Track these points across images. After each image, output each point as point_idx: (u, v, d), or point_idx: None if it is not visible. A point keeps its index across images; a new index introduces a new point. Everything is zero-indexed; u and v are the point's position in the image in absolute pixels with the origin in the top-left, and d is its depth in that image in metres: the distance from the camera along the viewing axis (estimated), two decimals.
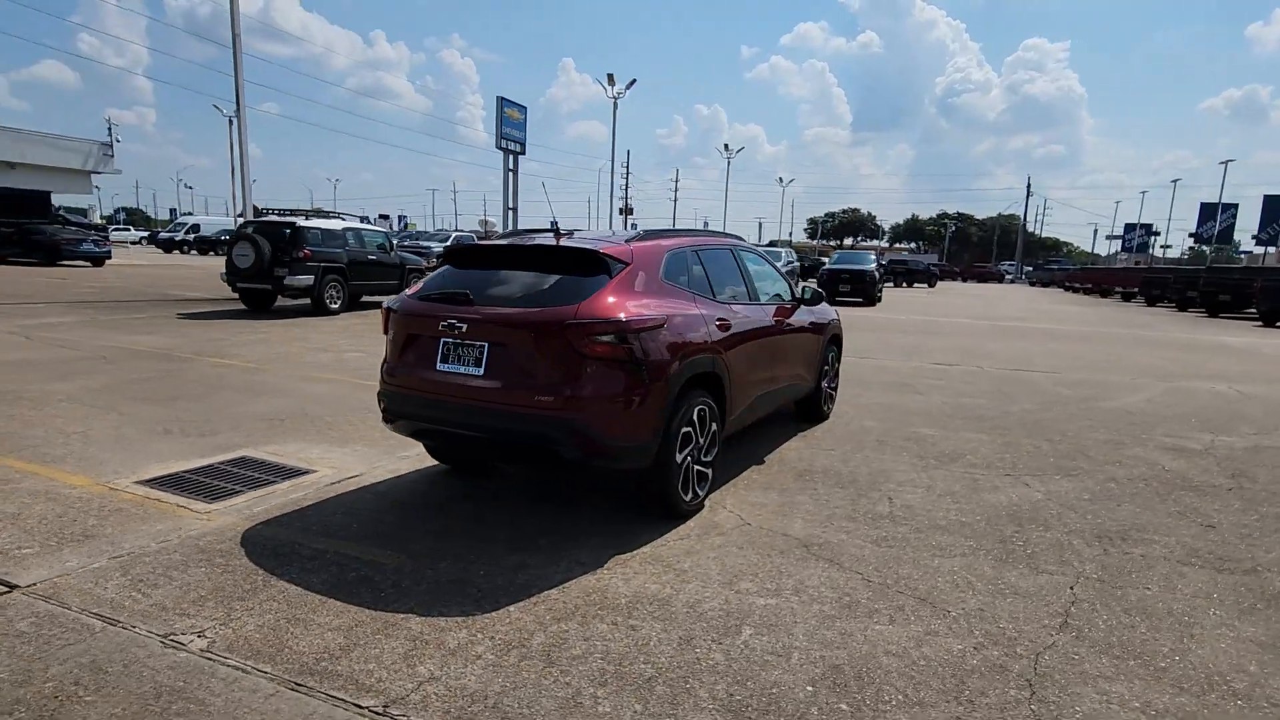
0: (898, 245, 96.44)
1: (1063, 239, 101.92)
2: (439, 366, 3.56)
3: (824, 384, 6.16)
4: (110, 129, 47.62)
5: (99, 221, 58.70)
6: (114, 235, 54.66)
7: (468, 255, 4.00)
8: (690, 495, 3.85)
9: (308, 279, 12.69)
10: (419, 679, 2.33)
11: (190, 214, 62.20)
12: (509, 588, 3.01)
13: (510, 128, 26.99)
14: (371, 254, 14.39)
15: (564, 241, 3.79)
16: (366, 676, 2.34)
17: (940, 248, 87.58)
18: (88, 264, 24.84)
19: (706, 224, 62.81)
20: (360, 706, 2.19)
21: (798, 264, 26.19)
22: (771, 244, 43.42)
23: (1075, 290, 39.94)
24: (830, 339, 6.22)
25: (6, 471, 4.18)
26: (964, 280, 59.76)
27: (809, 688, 2.37)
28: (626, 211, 59.47)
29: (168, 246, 42.37)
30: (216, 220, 44.84)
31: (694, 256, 4.31)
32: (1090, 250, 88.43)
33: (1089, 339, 14.40)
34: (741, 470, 4.73)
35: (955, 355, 10.89)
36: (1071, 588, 3.17)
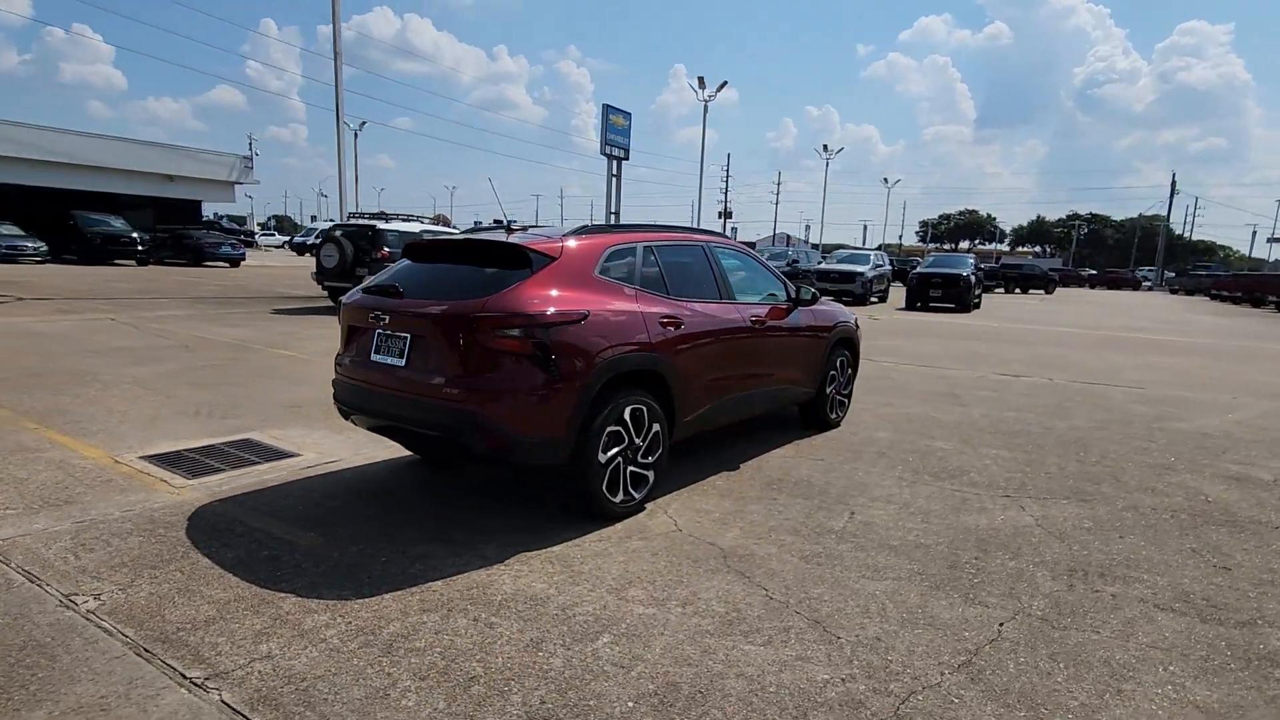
0: (1021, 249, 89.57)
1: (1219, 242, 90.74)
2: (372, 357, 3.68)
3: (830, 389, 5.83)
4: (251, 144, 52.92)
5: (254, 228, 65.49)
6: (261, 240, 60.78)
7: (422, 250, 4.10)
8: (622, 497, 3.75)
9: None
10: (254, 656, 2.41)
11: (319, 219, 67.84)
12: (399, 576, 3.05)
13: (615, 134, 27.52)
14: None
15: (497, 237, 3.81)
16: (210, 649, 2.45)
17: (1068, 251, 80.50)
18: (226, 265, 27.78)
19: (808, 227, 61.11)
20: (185, 677, 2.29)
21: (888, 267, 24.96)
22: (863, 248, 41.61)
23: (1222, 299, 35.40)
24: (837, 342, 5.88)
25: (41, 442, 4.73)
26: (1092, 287, 54.65)
27: (630, 703, 2.24)
28: (725, 215, 58.96)
29: (300, 250, 46.42)
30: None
31: (647, 253, 4.19)
32: (1249, 255, 78.29)
33: (1203, 352, 12.73)
34: (709, 475, 4.56)
35: (1028, 366, 9.96)
36: (1001, 624, 2.81)
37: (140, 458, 4.51)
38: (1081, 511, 4.13)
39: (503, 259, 3.64)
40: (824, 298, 6.46)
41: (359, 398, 3.78)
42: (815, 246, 46.79)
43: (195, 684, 2.25)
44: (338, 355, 4.05)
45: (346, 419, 4.04)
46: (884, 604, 2.94)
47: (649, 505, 3.98)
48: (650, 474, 3.93)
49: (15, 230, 25.01)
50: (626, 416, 3.71)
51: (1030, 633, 2.75)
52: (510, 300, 3.36)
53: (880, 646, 2.61)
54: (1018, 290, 35.97)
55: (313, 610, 2.73)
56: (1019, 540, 3.67)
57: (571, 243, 3.78)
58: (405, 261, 4.14)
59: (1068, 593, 3.10)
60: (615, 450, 3.67)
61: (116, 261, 24.90)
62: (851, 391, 6.31)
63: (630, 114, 26.92)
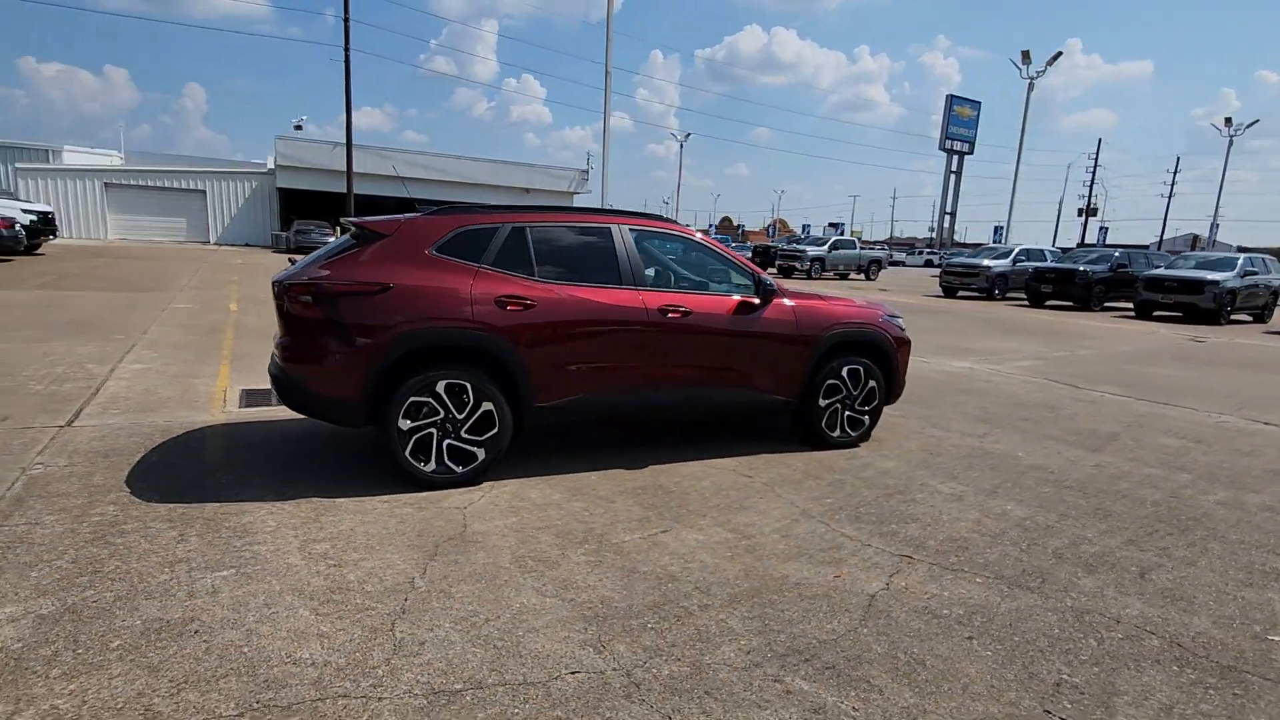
0: None
1: None
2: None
3: (827, 402, 4.90)
4: (588, 159, 61.36)
5: None
6: None
7: (349, 232, 4.59)
8: (434, 467, 3.88)
9: None
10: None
11: None
12: (224, 496, 3.74)
13: (958, 126, 25.68)
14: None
15: (362, 220, 4.20)
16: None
17: None
18: None
19: (1215, 225, 46.63)
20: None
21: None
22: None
23: None
24: (838, 348, 4.89)
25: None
26: None
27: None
28: (1088, 213, 48.77)
29: None
30: None
31: (515, 235, 4.16)
32: None
33: None
34: (585, 470, 4.33)
35: (1212, 400, 6.59)
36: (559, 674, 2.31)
37: (242, 390, 6.05)
38: (943, 577, 2.90)
39: (360, 237, 4.05)
40: (846, 296, 5.47)
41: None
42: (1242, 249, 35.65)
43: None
44: None
45: None
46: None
47: (486, 484, 4.02)
48: (480, 451, 3.97)
49: None
50: (441, 390, 3.84)
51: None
52: (312, 270, 3.79)
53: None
54: None
55: (153, 501, 3.57)
56: (762, 598, 2.81)
57: (409, 222, 4.02)
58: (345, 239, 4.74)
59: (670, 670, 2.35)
60: (425, 421, 3.83)
61: None
62: (878, 409, 5.15)
63: (979, 103, 24.39)
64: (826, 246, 27.72)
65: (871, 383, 5.06)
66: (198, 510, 3.50)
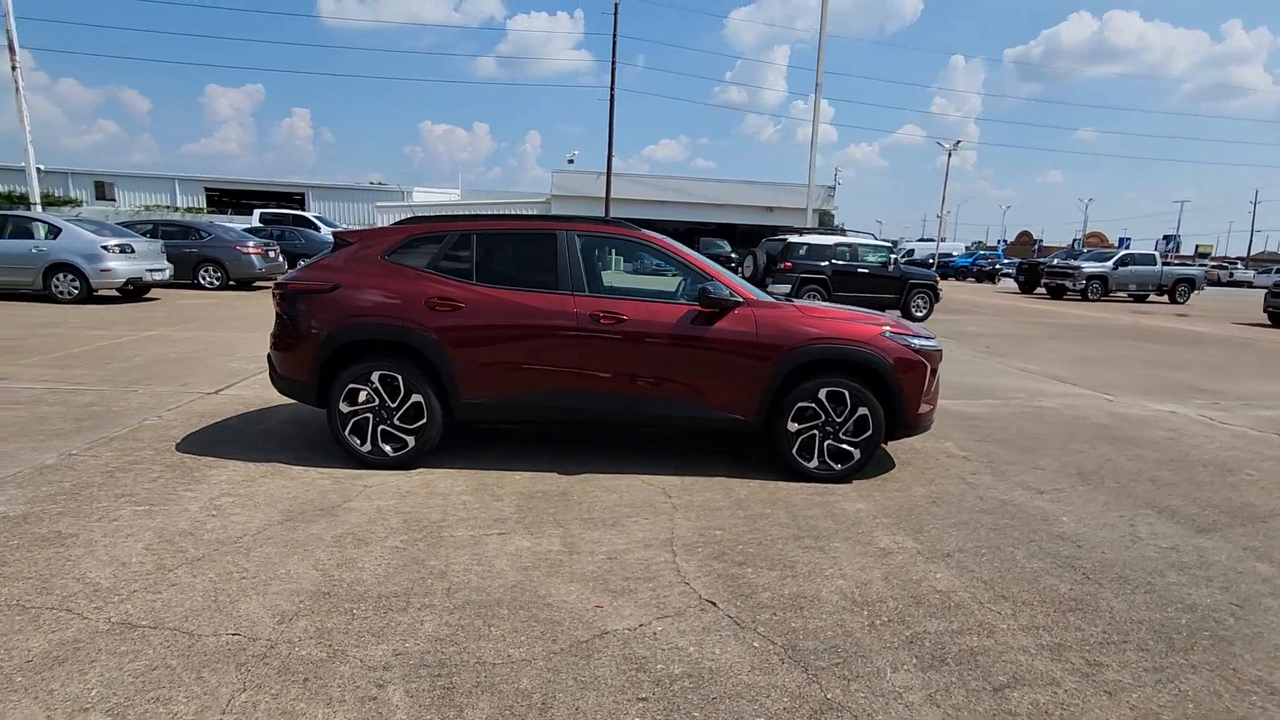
0: None
1: None
2: None
3: (798, 426, 4.26)
4: (835, 173, 58.74)
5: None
6: None
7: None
8: (369, 448, 4.31)
9: (784, 287, 14.27)
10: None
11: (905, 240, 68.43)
12: (235, 459, 4.65)
13: None
14: (864, 267, 14.66)
15: (343, 230, 4.78)
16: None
17: None
18: None
19: None
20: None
21: None
22: None
23: None
24: (806, 367, 4.22)
25: None
26: None
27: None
28: None
29: None
30: (925, 246, 48.86)
31: (461, 241, 4.41)
32: None
33: None
34: (521, 471, 4.40)
35: None
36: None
37: None
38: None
39: (337, 244, 4.67)
40: (828, 303, 4.73)
41: None
42: None
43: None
44: None
45: None
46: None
47: (421, 469, 4.35)
48: (410, 439, 4.32)
49: None
50: (375, 380, 4.27)
51: None
52: (296, 271, 4.47)
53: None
54: None
55: (179, 451, 4.64)
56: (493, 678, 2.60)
57: (372, 231, 4.53)
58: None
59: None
60: (362, 406, 4.30)
61: None
62: (871, 440, 4.29)
63: None
64: (1111, 262, 22.82)
65: (861, 409, 4.27)
66: (193, 461, 4.40)
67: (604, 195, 35.43)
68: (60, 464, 4.22)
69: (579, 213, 37.57)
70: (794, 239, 14.79)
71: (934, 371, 4.54)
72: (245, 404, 5.89)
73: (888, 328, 4.39)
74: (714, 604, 2.82)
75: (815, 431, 4.30)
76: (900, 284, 14.86)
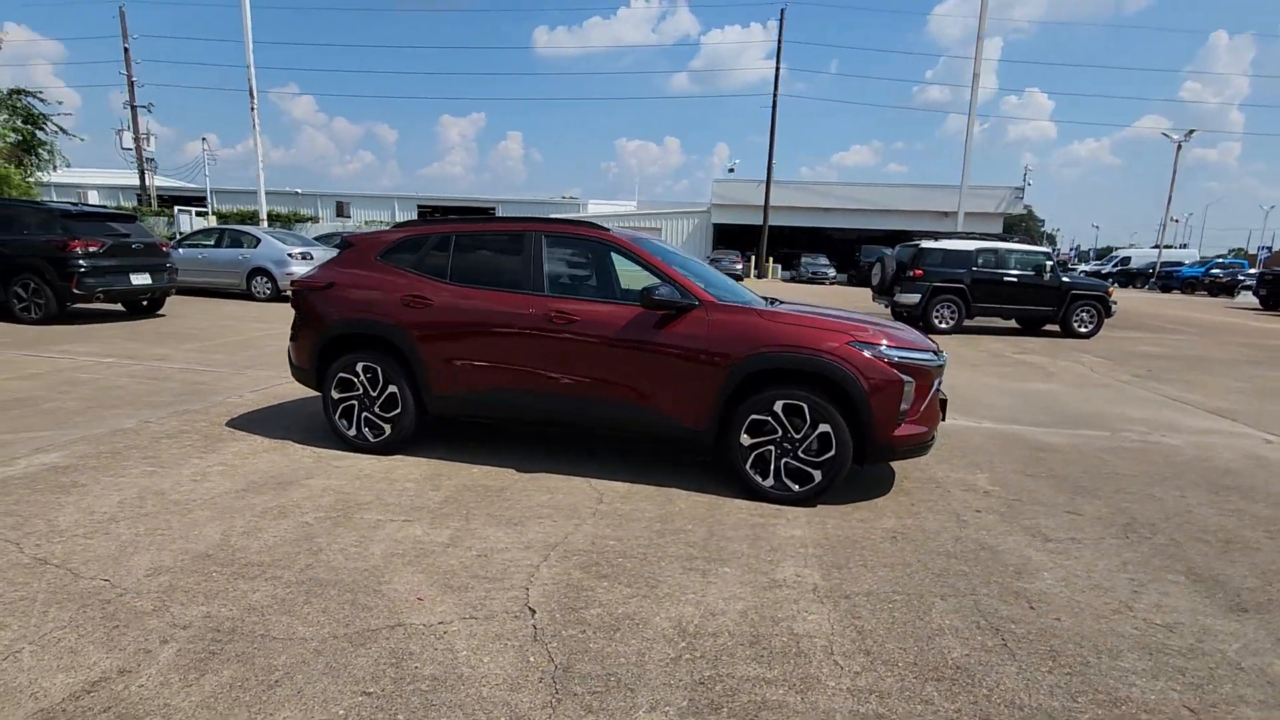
0: None
1: None
2: None
3: (752, 440, 3.90)
4: (1025, 173, 52.13)
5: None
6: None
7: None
8: (354, 432, 4.66)
9: (913, 297, 13.07)
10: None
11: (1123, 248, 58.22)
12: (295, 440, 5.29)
13: None
14: (1012, 275, 12.96)
15: (350, 233, 5.16)
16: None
17: None
18: None
19: None
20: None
21: None
22: None
23: None
24: (758, 377, 3.84)
25: None
26: None
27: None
28: None
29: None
30: (1148, 254, 41.69)
31: (442, 242, 4.60)
32: None
33: None
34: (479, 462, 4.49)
35: None
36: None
37: None
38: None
39: (342, 246, 5.07)
40: (789, 303, 4.29)
41: None
42: None
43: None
44: None
45: None
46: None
47: (398, 455, 4.63)
48: (387, 427, 4.60)
49: (823, 260, 34.08)
50: (359, 370, 4.62)
51: None
52: (304, 272, 4.95)
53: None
54: None
55: (229, 426, 5.38)
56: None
57: (368, 234, 4.87)
58: None
59: None
60: (349, 394, 4.66)
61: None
62: (834, 462, 3.78)
63: None
64: None
65: (823, 426, 3.81)
66: (227, 434, 5.04)
67: (763, 203, 34.88)
68: (133, 428, 5.06)
69: (737, 221, 37.50)
70: (927, 244, 13.46)
71: (924, 389, 3.92)
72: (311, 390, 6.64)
73: (857, 336, 3.87)
74: (532, 612, 2.69)
75: (771, 447, 3.92)
76: (1059, 295, 12.93)
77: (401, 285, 4.58)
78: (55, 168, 27.86)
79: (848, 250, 34.90)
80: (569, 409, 4.30)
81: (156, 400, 5.89)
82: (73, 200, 19.43)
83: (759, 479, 3.96)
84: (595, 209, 48.43)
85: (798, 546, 3.38)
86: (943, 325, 13.06)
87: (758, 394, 3.91)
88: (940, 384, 4.34)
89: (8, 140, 30.63)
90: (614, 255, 4.52)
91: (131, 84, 34.06)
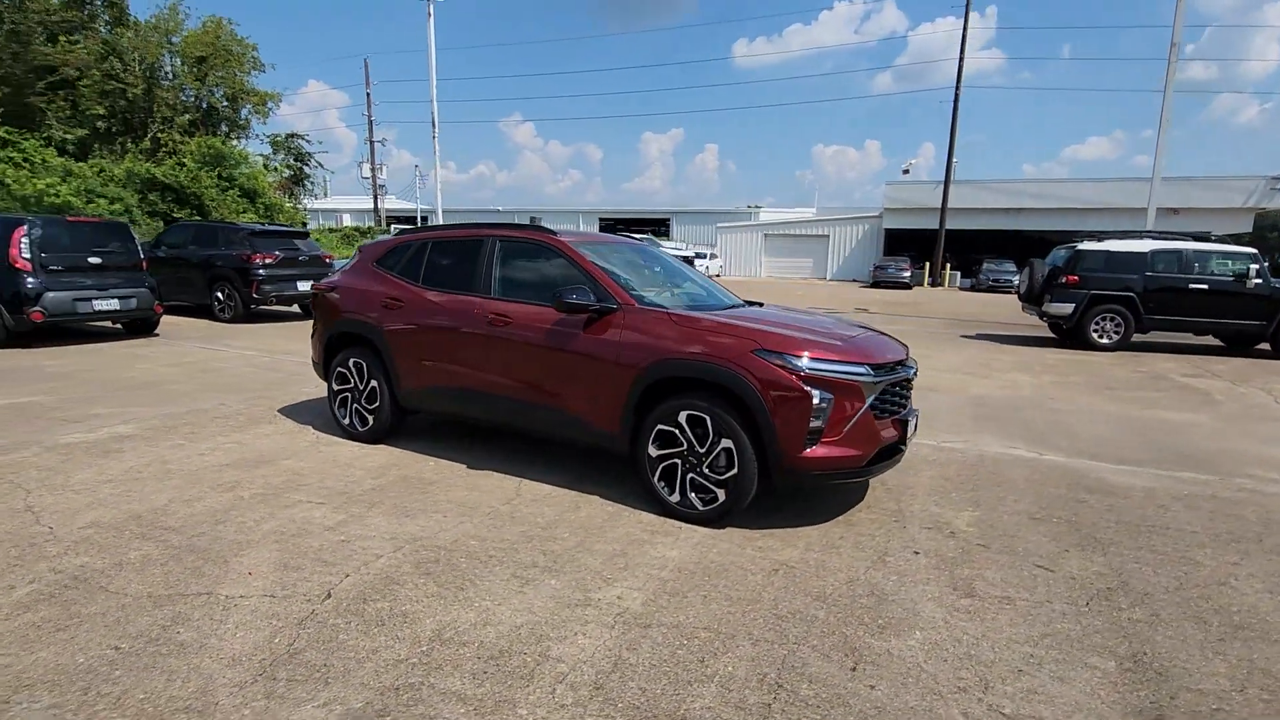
0: None
1: None
2: None
3: (658, 450, 3.67)
4: None
5: None
6: None
7: None
8: (349, 421, 5.09)
9: (1066, 307, 11.24)
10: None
11: None
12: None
13: None
14: (1201, 283, 10.63)
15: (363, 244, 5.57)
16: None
17: None
18: None
19: None
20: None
21: None
22: None
23: None
24: (659, 385, 3.60)
25: None
26: None
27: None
28: None
29: None
30: None
31: (420, 249, 4.86)
32: None
33: None
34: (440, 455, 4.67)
35: None
36: None
37: None
38: None
39: (356, 254, 5.56)
40: (776, 308, 3.92)
41: None
42: None
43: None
44: None
45: None
46: None
47: (383, 445, 4.99)
48: (370, 418, 4.98)
49: (1009, 266, 30.57)
50: (350, 365, 5.05)
51: None
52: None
53: None
54: None
55: (280, 413, 6.17)
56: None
57: (372, 244, 5.27)
58: None
59: None
60: (344, 387, 5.11)
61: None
62: (737, 481, 3.39)
63: None
64: None
65: (726, 442, 3.46)
66: (270, 418, 5.75)
67: (940, 206, 32.06)
68: (207, 409, 5.97)
69: (911, 226, 34.79)
70: (1087, 245, 11.47)
71: (849, 406, 3.40)
72: None
73: (764, 343, 3.46)
74: (327, 597, 2.78)
75: (678, 461, 3.65)
76: (1270, 305, 10.37)
77: (382, 289, 4.94)
78: (316, 196, 34.00)
79: (1044, 254, 30.81)
80: (505, 410, 4.35)
81: (249, 387, 6.88)
82: (304, 221, 23.67)
83: (666, 493, 3.70)
84: (768, 217, 47.73)
85: (654, 568, 3.12)
86: (1103, 340, 11.07)
87: (663, 403, 3.66)
88: (903, 403, 3.76)
89: (283, 175, 37.84)
90: (556, 260, 4.49)
91: (370, 123, 39.79)
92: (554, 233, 4.47)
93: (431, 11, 22.49)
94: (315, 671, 2.30)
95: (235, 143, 31.50)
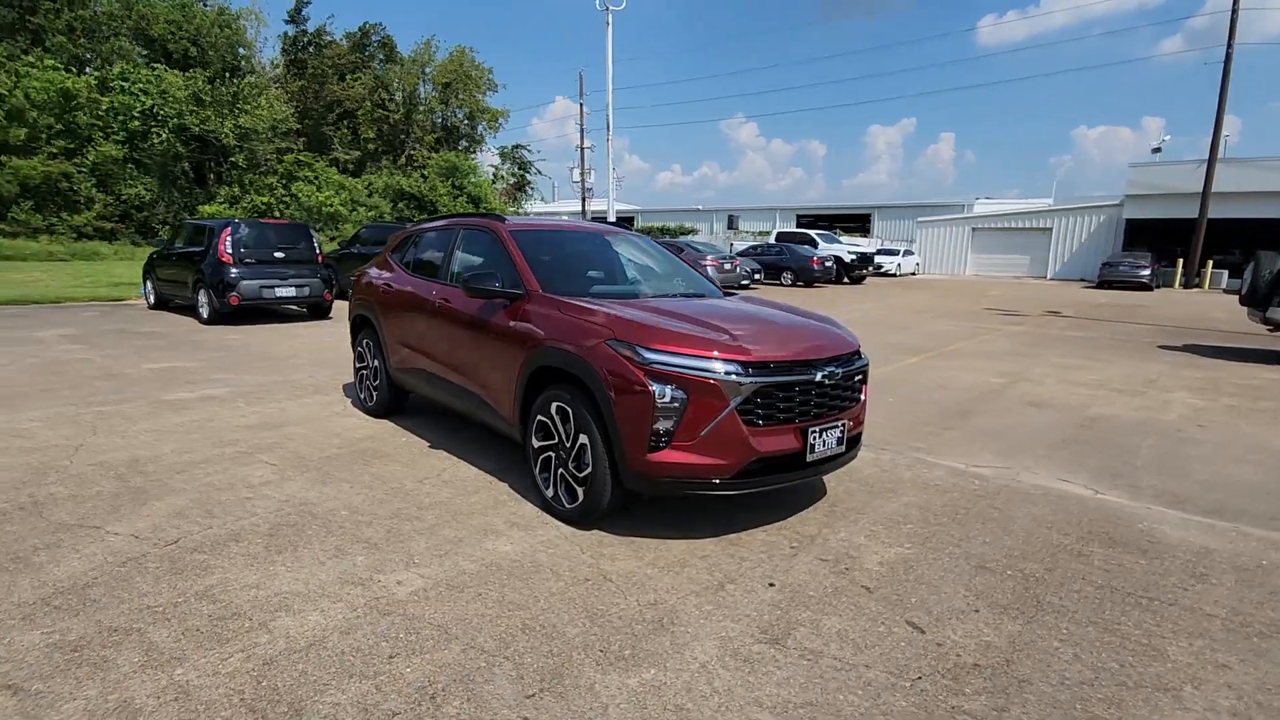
0: None
1: None
2: None
3: (541, 442, 3.52)
4: None
5: None
6: None
7: None
8: (365, 395, 5.58)
9: None
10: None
11: None
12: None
13: None
14: None
15: None
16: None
17: None
18: None
19: None
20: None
21: None
22: None
23: None
24: (543, 375, 3.49)
25: None
26: None
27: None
28: None
29: None
30: None
31: (418, 239, 5.15)
32: None
33: None
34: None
35: None
36: None
37: None
38: None
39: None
40: (756, 302, 3.74)
41: None
42: None
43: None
44: None
45: None
46: None
47: (392, 420, 5.41)
48: (375, 394, 5.40)
49: None
50: (362, 344, 5.53)
51: None
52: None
53: None
54: None
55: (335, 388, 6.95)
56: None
57: (396, 234, 5.66)
58: None
59: None
60: (361, 365, 5.60)
61: None
62: (592, 478, 3.11)
63: None
64: None
65: (582, 438, 3.21)
66: (330, 388, 6.48)
67: (1201, 190, 26.32)
68: (296, 380, 6.90)
69: (1161, 215, 29.00)
70: None
71: (709, 408, 2.97)
72: None
73: (620, 333, 3.13)
74: (176, 543, 3.10)
75: (551, 455, 3.47)
76: None
77: (385, 277, 5.33)
78: (543, 200, 38.50)
79: (1246, 249, 23.79)
80: (444, 391, 4.48)
81: (336, 365, 7.79)
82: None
83: (544, 486, 3.55)
84: (983, 209, 42.80)
85: (471, 559, 3.01)
86: None
87: (541, 393, 3.51)
88: (810, 409, 3.21)
89: (508, 182, 42.56)
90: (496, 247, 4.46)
91: (581, 131, 42.69)
92: (501, 220, 4.48)
93: (610, 21, 23.43)
94: (83, 603, 2.59)
95: (471, 156, 36.29)
